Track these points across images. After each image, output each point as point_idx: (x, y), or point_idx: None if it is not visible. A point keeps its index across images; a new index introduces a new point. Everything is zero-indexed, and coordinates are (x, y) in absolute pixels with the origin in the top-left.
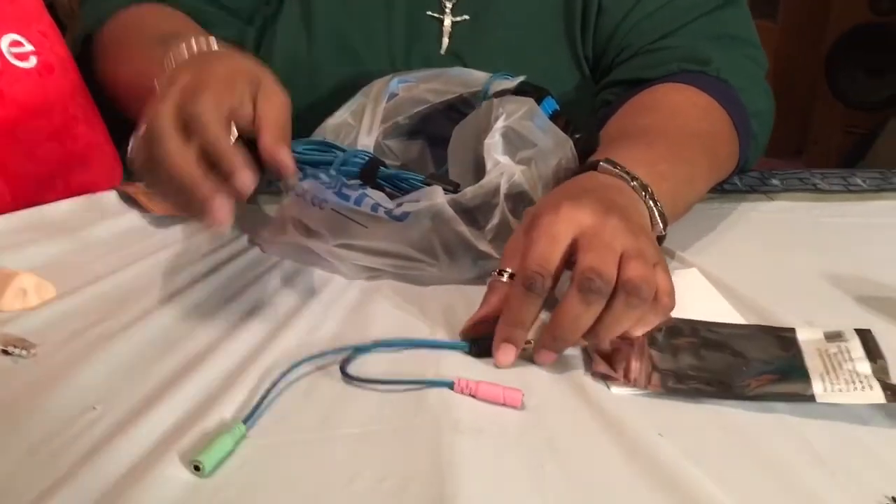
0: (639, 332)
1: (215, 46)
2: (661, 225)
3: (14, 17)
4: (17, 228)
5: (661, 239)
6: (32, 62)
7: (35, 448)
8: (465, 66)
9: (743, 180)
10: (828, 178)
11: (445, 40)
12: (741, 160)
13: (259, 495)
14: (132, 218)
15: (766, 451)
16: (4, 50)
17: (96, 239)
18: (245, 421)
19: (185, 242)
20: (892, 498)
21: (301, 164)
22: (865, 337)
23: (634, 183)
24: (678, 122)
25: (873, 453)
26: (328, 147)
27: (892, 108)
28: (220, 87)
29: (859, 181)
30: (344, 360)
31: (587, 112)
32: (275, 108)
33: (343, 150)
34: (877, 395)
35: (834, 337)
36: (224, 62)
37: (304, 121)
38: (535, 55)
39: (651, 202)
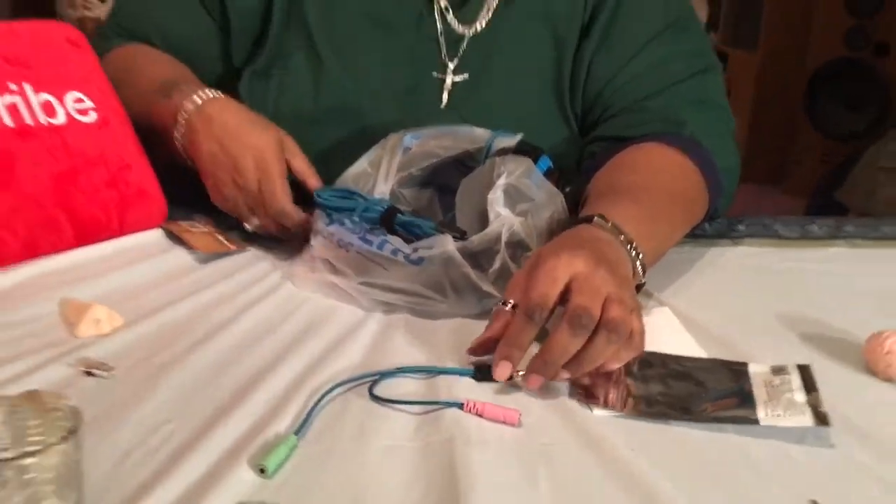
0: (614, 365)
1: (213, 95)
2: (641, 274)
3: (77, 76)
4: (83, 264)
5: (640, 287)
6: (93, 117)
7: (126, 454)
8: (464, 120)
9: (712, 226)
10: (788, 225)
11: (445, 97)
12: (710, 210)
13: (312, 493)
14: (178, 254)
15: (715, 462)
16: (69, 106)
17: (149, 273)
18: (296, 433)
19: (227, 278)
20: (813, 501)
21: (328, 209)
22: (805, 371)
23: (622, 237)
24: (659, 182)
25: (802, 466)
26: (351, 194)
27: (868, 139)
28: (279, 166)
29: (815, 228)
30: (372, 384)
31: (574, 162)
32: (304, 161)
33: (364, 198)
34: (807, 420)
35: (778, 371)
36: (251, 130)
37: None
38: (527, 112)
39: (634, 254)
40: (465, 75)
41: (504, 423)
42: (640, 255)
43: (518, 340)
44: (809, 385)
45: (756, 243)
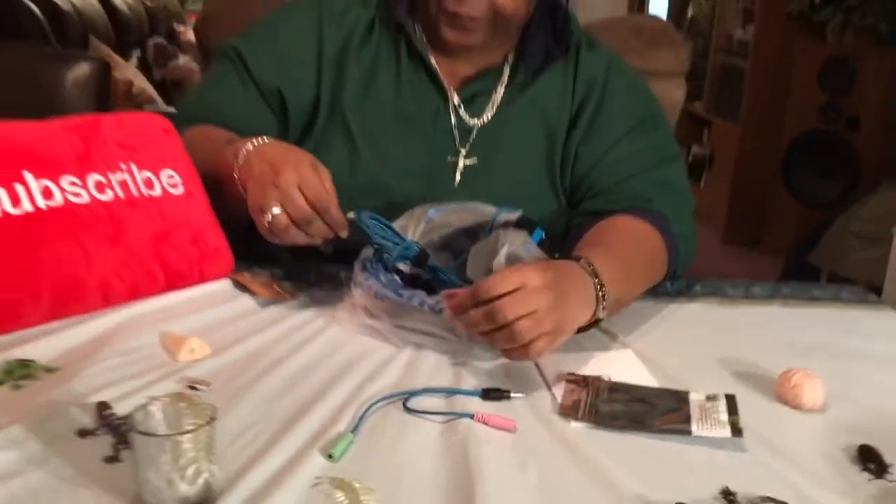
0: (505, 355)
1: (267, 140)
2: (600, 312)
3: (169, 157)
4: (174, 305)
5: (598, 321)
6: (180, 190)
7: (230, 443)
8: (473, 195)
9: (673, 286)
10: (735, 287)
11: (458, 177)
12: (670, 270)
13: (365, 473)
14: (244, 299)
15: (661, 460)
16: (163, 181)
17: (224, 314)
18: (352, 432)
19: (284, 320)
20: (723, 490)
21: (372, 242)
22: (730, 399)
23: (596, 280)
24: (631, 245)
25: (722, 464)
26: (392, 230)
27: (840, 207)
28: (313, 168)
29: (757, 290)
30: (405, 400)
31: (562, 228)
32: (330, 181)
33: (398, 234)
34: (727, 433)
35: (711, 398)
36: (292, 150)
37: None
38: (525, 188)
39: (601, 296)
40: (475, 159)
41: (504, 429)
42: (605, 298)
43: (462, 311)
44: (732, 409)
45: (708, 301)
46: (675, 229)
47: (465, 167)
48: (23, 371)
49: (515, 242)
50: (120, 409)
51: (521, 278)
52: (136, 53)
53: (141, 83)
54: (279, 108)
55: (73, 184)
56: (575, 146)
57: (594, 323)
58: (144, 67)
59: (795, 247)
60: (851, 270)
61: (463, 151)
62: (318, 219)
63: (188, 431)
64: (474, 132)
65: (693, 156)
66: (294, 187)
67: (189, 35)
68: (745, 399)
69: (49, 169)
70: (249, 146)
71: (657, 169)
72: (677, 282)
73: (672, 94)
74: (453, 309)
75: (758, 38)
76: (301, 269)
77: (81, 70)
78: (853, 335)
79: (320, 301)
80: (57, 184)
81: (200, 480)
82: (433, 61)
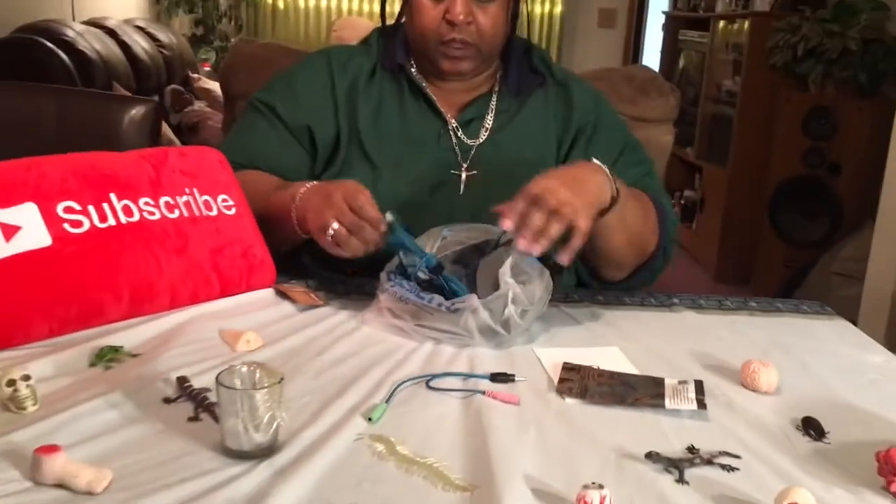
0: (552, 231)
1: (315, 182)
2: (615, 191)
3: (223, 184)
4: (227, 308)
5: (615, 199)
6: (233, 211)
7: (287, 410)
8: (477, 201)
9: (657, 299)
10: (709, 300)
11: (462, 187)
12: (658, 246)
13: (400, 432)
14: (285, 305)
15: (639, 428)
16: (219, 203)
17: (269, 316)
18: (386, 402)
19: (321, 321)
20: (689, 447)
21: (402, 244)
22: (698, 383)
23: (605, 170)
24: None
25: (687, 429)
26: (411, 235)
27: (824, 247)
28: (358, 189)
29: (728, 303)
30: (428, 381)
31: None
32: (367, 192)
33: (422, 251)
34: (693, 406)
35: (682, 382)
36: (335, 181)
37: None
38: None
39: (612, 180)
40: (475, 171)
41: (509, 402)
42: (616, 182)
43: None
44: (699, 390)
45: (684, 310)
46: (666, 209)
47: (468, 178)
48: (112, 355)
49: (517, 257)
50: (196, 383)
51: (543, 182)
52: (154, 98)
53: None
54: (309, 143)
55: (148, 203)
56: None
57: (616, 200)
58: (162, 112)
59: (783, 285)
60: (835, 306)
61: (464, 166)
62: (367, 226)
63: (264, 387)
64: (473, 150)
65: (685, 199)
66: (343, 202)
67: (202, 82)
68: (712, 384)
69: (129, 191)
70: (302, 189)
71: (645, 179)
72: (659, 295)
73: (661, 138)
74: (508, 214)
75: (745, 89)
76: (331, 282)
77: (138, 111)
78: (808, 338)
79: (350, 307)
80: (135, 203)
81: (271, 430)
82: (430, 93)
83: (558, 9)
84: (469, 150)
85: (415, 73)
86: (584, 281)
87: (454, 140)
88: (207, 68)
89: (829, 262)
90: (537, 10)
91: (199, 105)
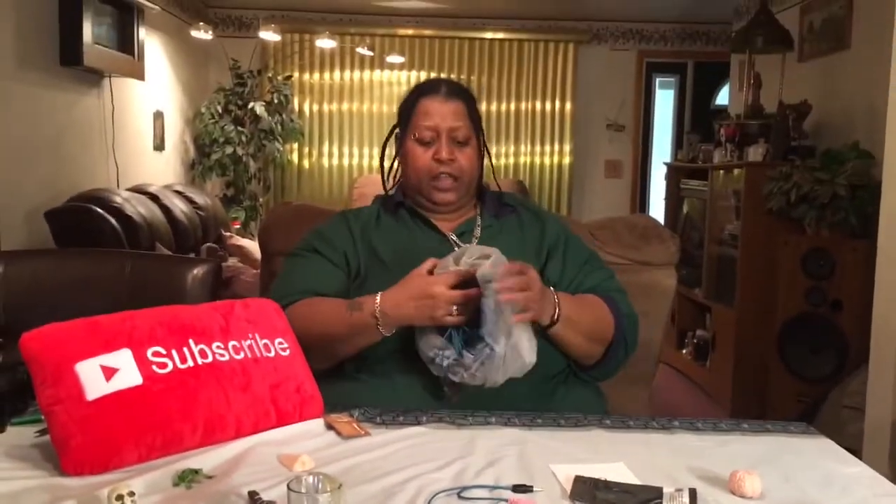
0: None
1: (379, 294)
2: (556, 312)
3: (279, 329)
4: (286, 436)
5: (554, 322)
6: (288, 352)
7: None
8: None
9: (658, 422)
10: (705, 423)
11: None
12: (614, 340)
13: None
14: (330, 435)
15: None
16: (276, 346)
17: (319, 444)
18: None
19: (364, 448)
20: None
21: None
22: (692, 492)
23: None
24: (586, 301)
25: None
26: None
27: (833, 381)
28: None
29: (722, 426)
30: (459, 492)
31: None
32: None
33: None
34: None
35: (679, 490)
36: (409, 279)
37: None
38: None
39: (556, 303)
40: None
41: None
42: (559, 307)
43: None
44: (692, 498)
45: (683, 432)
46: (623, 307)
47: None
48: (192, 476)
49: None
50: (264, 496)
51: (531, 272)
52: (217, 260)
53: None
54: (346, 266)
55: (219, 347)
56: (558, 269)
57: (552, 323)
58: None
59: (797, 419)
60: (848, 441)
61: (475, 241)
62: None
63: (327, 492)
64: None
65: (698, 339)
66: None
67: (234, 240)
68: (704, 492)
69: (204, 337)
70: (378, 298)
71: (608, 282)
72: (660, 418)
73: (664, 282)
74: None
75: (744, 233)
76: (371, 414)
77: (200, 270)
78: (791, 453)
79: (388, 436)
80: (209, 347)
81: None
82: (427, 216)
83: (567, 160)
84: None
85: (410, 206)
86: (574, 370)
87: (452, 245)
88: (237, 226)
89: (839, 396)
90: (546, 161)
91: (232, 261)
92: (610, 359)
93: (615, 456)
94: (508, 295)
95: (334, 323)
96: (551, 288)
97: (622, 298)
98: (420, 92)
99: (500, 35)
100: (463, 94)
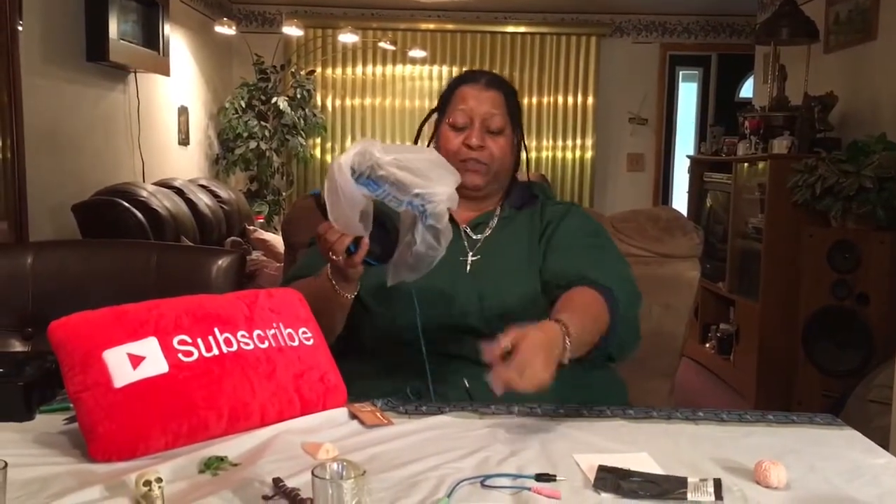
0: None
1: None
2: (567, 350)
3: (303, 318)
4: (309, 425)
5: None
6: (312, 342)
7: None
8: (480, 280)
9: (682, 413)
10: (730, 414)
11: (468, 267)
12: (610, 325)
13: None
14: (354, 424)
15: None
16: (300, 335)
17: (342, 432)
18: (447, 496)
19: (387, 436)
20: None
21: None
22: (717, 482)
23: (564, 330)
24: (588, 305)
25: None
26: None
27: (859, 376)
28: None
29: (748, 417)
30: (482, 480)
31: (539, 305)
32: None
33: None
34: (711, 498)
35: (703, 480)
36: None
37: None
38: (517, 278)
39: (567, 342)
40: (479, 257)
41: (553, 497)
42: (569, 343)
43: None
44: (717, 487)
45: (708, 423)
46: (617, 298)
47: (473, 262)
48: (218, 463)
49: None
50: (289, 483)
51: (524, 346)
52: (240, 250)
53: None
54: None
55: (244, 336)
56: (542, 255)
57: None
58: None
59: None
60: (875, 435)
61: (470, 253)
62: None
63: (350, 478)
64: (479, 242)
65: (721, 332)
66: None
67: (258, 233)
68: (728, 482)
69: (229, 326)
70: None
71: (595, 268)
72: (683, 409)
73: (687, 273)
74: (489, 353)
75: (769, 225)
76: (395, 403)
77: (226, 261)
78: (817, 444)
79: (410, 425)
80: (234, 336)
81: None
82: None
83: (589, 154)
84: (476, 242)
85: None
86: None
87: (464, 236)
88: (261, 220)
89: (865, 391)
90: (569, 155)
91: (256, 255)
92: (603, 347)
93: (638, 446)
94: (524, 383)
95: (306, 295)
96: (554, 321)
97: (621, 286)
98: (461, 80)
99: (522, 29)
100: (503, 86)
